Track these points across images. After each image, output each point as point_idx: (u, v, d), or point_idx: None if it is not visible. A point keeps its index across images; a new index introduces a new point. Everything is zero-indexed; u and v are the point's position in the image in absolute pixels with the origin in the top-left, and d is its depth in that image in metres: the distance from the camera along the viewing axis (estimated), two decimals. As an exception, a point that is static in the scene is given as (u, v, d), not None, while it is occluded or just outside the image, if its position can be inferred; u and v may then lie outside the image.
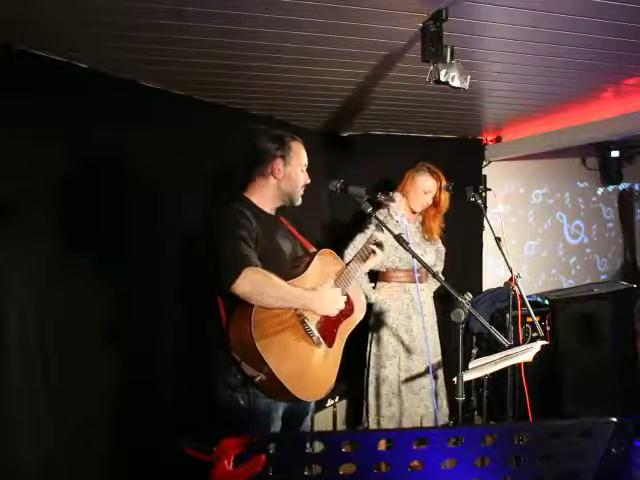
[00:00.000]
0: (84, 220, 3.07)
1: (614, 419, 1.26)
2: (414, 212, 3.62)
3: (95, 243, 3.12)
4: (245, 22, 2.61)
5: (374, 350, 3.60)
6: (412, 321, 3.52)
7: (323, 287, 2.45)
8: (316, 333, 2.38)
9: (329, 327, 2.47)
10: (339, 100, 3.89)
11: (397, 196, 2.77)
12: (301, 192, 2.53)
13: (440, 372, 3.66)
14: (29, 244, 2.82)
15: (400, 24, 2.66)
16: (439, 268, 3.77)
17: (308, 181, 2.55)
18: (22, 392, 2.77)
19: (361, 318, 2.69)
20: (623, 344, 4.55)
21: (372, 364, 3.60)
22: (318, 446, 1.21)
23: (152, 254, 3.39)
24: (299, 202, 2.55)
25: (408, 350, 3.51)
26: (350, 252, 3.40)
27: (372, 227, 3.51)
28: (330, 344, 2.47)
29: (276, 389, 2.25)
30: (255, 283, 2.20)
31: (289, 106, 4.03)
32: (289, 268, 2.45)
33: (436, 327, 3.68)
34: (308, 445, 1.30)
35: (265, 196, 2.49)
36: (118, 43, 2.84)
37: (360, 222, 3.66)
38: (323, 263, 2.53)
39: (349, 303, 2.56)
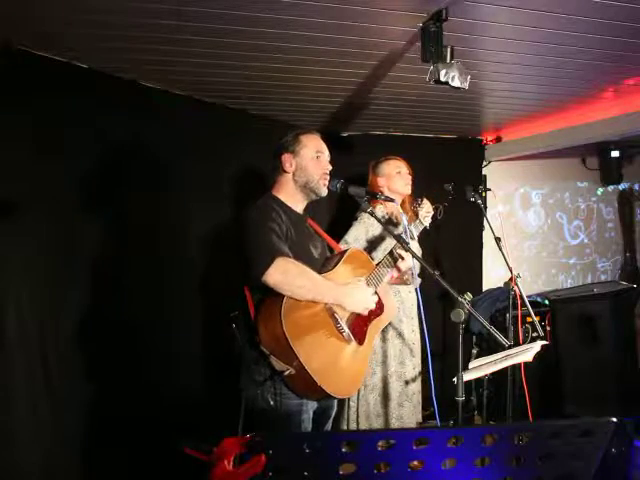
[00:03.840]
0: (84, 220, 3.07)
1: (614, 419, 1.26)
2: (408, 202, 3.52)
3: (95, 243, 3.12)
4: (245, 22, 2.61)
5: None
6: (402, 324, 3.41)
7: (356, 284, 2.45)
8: (347, 329, 2.36)
9: (359, 324, 2.45)
10: (339, 100, 3.89)
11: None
12: (324, 181, 2.48)
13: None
14: (29, 244, 2.82)
15: (400, 24, 2.66)
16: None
17: (329, 168, 2.51)
18: (22, 392, 2.77)
19: (390, 319, 2.67)
20: (623, 344, 4.55)
21: None
22: (318, 446, 1.21)
23: (153, 253, 3.39)
24: (324, 192, 2.50)
25: (400, 355, 3.41)
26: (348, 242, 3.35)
27: (363, 218, 3.46)
28: (360, 342, 2.44)
29: (304, 384, 2.22)
30: (287, 272, 2.19)
31: (289, 106, 4.03)
32: (318, 267, 2.44)
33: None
34: (308, 445, 1.30)
35: (288, 193, 2.48)
36: (118, 43, 2.84)
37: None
38: (352, 262, 2.52)
39: (379, 303, 2.54)
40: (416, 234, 2.85)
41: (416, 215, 3.03)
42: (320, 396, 2.32)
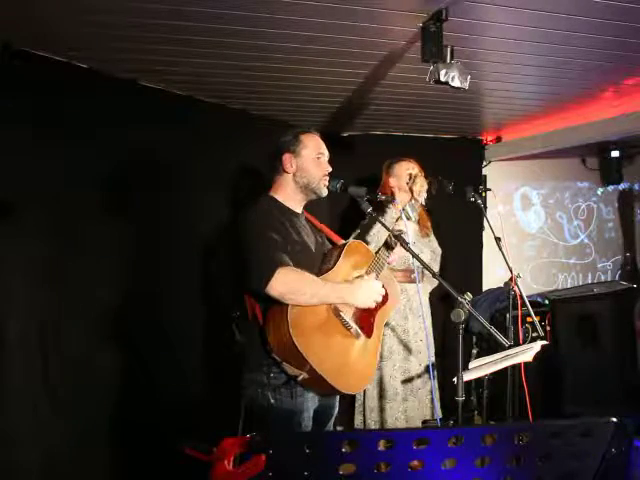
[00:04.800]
0: (84, 220, 3.07)
1: (614, 419, 1.26)
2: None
3: (95, 243, 3.12)
4: (245, 22, 2.61)
5: None
6: (408, 321, 3.46)
7: (359, 279, 2.45)
8: (353, 325, 2.37)
9: (366, 318, 2.45)
10: (339, 100, 3.89)
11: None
12: (324, 182, 2.47)
13: (435, 373, 3.62)
14: (29, 244, 2.82)
15: (400, 24, 2.66)
16: (434, 270, 3.71)
17: (329, 169, 2.50)
18: (22, 392, 2.77)
19: (396, 306, 2.68)
20: (623, 344, 4.54)
21: None
22: (318, 446, 1.21)
23: (153, 253, 3.39)
24: (324, 192, 2.49)
25: (405, 351, 3.46)
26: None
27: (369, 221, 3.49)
28: (369, 335, 2.45)
29: (318, 385, 2.26)
30: (289, 282, 2.20)
31: (289, 106, 4.03)
32: (319, 264, 2.45)
33: (431, 328, 3.64)
34: (308, 445, 1.30)
35: (287, 193, 2.47)
36: (118, 43, 2.84)
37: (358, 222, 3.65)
38: (353, 254, 2.51)
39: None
40: (412, 213, 2.84)
41: (412, 193, 3.04)
42: (335, 394, 2.38)
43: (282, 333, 2.19)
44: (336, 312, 2.34)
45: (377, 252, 2.60)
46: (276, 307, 2.24)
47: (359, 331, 2.39)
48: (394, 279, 2.73)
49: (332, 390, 2.28)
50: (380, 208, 3.45)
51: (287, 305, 2.20)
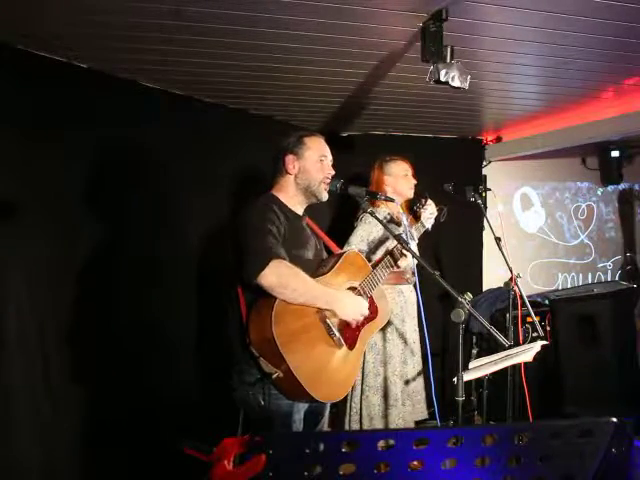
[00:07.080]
0: (84, 220, 3.07)
1: (614, 419, 1.26)
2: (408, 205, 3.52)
3: (95, 243, 3.12)
4: (245, 22, 2.61)
5: (367, 356, 3.37)
6: (406, 324, 3.41)
7: (350, 292, 2.44)
8: (337, 334, 2.34)
9: (351, 329, 2.43)
10: (339, 100, 3.89)
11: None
12: (324, 186, 2.48)
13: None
14: (29, 244, 2.82)
15: (400, 24, 2.66)
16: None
17: (332, 172, 2.50)
18: (22, 392, 2.77)
19: (384, 323, 2.67)
20: (623, 344, 4.54)
21: (365, 371, 3.39)
22: (318, 446, 1.21)
23: (153, 253, 3.39)
24: (324, 197, 2.50)
25: (402, 355, 3.41)
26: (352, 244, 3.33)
27: (367, 219, 3.45)
28: (351, 346, 2.42)
29: (292, 387, 2.21)
30: (281, 275, 2.19)
31: (289, 106, 4.03)
32: (314, 268, 2.43)
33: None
34: (308, 445, 1.30)
35: (288, 194, 2.47)
36: (118, 43, 2.84)
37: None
38: (349, 265, 2.50)
39: (373, 307, 2.53)
40: (417, 236, 2.83)
41: (417, 216, 3.01)
42: (308, 400, 2.32)
43: (264, 326, 2.16)
44: (322, 318, 2.32)
45: (377, 265, 2.60)
46: (263, 300, 2.22)
47: (342, 340, 2.37)
48: (386, 296, 2.71)
49: (304, 395, 2.22)
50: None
51: (274, 299, 2.18)
